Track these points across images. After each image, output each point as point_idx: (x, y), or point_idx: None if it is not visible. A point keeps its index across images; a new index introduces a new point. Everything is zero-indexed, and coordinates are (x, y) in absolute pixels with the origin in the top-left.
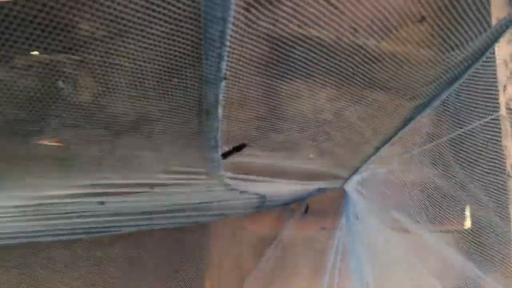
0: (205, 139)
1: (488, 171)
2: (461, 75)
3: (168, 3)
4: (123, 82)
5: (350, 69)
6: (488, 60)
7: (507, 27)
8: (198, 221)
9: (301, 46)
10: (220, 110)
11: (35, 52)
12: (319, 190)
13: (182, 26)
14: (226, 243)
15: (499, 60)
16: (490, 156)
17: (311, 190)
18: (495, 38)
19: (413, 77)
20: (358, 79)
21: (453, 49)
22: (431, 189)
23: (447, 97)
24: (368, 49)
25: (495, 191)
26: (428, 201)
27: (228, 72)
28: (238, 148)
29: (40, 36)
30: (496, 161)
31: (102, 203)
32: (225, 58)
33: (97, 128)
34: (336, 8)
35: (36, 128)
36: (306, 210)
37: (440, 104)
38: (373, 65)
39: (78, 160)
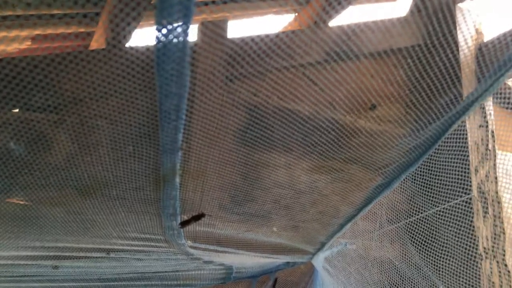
0: (163, 206)
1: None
2: (417, 160)
3: (124, 77)
4: (78, 147)
5: (326, 142)
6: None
7: (469, 107)
8: None
9: (279, 117)
10: (177, 179)
11: (15, 110)
12: (288, 264)
13: (137, 98)
14: None
15: (470, 143)
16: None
17: (279, 263)
18: (463, 112)
19: (386, 152)
20: (334, 152)
21: (424, 127)
22: (389, 270)
23: (421, 176)
24: (344, 124)
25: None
26: (387, 281)
27: (184, 144)
28: (196, 217)
29: (20, 94)
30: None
31: (55, 267)
32: (181, 130)
33: (55, 189)
34: (316, 84)
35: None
36: (275, 284)
37: (414, 182)
38: (349, 139)
39: (31, 220)
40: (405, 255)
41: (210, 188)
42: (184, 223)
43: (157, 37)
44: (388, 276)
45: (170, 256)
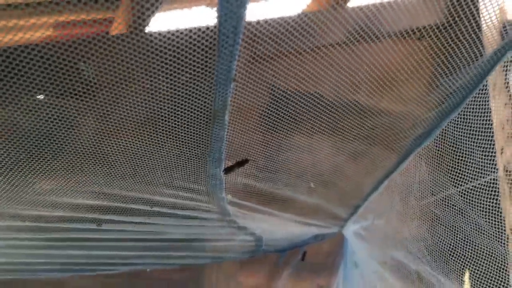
0: (210, 149)
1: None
2: (458, 105)
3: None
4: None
5: (349, 124)
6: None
7: (501, 56)
8: (192, 263)
9: (300, 100)
10: (226, 116)
11: (40, 96)
12: (317, 237)
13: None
14: None
15: (496, 123)
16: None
17: (309, 236)
18: (490, 67)
19: (416, 116)
20: (355, 133)
21: (448, 75)
22: (430, 220)
23: (446, 149)
24: (366, 105)
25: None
26: (428, 233)
27: (237, 74)
28: (240, 163)
29: (46, 79)
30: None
31: (99, 224)
32: (236, 58)
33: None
34: (336, 65)
35: (32, 169)
36: (303, 257)
37: (440, 157)
38: (371, 119)
39: (88, 163)
40: (447, 201)
41: (254, 131)
42: (228, 169)
43: None
44: (430, 226)
45: (206, 216)
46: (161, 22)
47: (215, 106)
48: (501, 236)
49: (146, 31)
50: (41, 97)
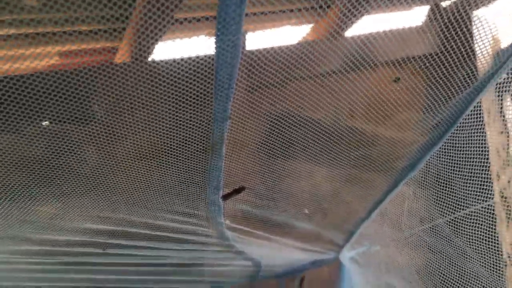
0: (209, 178)
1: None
2: (442, 137)
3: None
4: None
5: (346, 150)
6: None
7: (486, 83)
8: None
9: (298, 125)
10: (223, 149)
11: (46, 122)
12: (315, 263)
13: (198, 67)
14: None
15: (491, 149)
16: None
17: (307, 261)
18: (477, 94)
19: (402, 147)
20: (352, 159)
21: (438, 106)
22: (420, 247)
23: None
24: (364, 132)
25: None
26: (419, 258)
27: (232, 112)
28: (237, 190)
29: (52, 107)
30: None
31: (105, 249)
32: (231, 99)
33: (117, 157)
34: (334, 93)
35: (39, 194)
36: (301, 283)
37: (438, 186)
38: (369, 147)
39: (98, 190)
40: (435, 228)
41: (249, 160)
42: (226, 196)
43: (219, 11)
44: (420, 253)
45: (205, 240)
46: (163, 52)
47: (213, 139)
48: (497, 261)
49: (149, 59)
50: (46, 123)
